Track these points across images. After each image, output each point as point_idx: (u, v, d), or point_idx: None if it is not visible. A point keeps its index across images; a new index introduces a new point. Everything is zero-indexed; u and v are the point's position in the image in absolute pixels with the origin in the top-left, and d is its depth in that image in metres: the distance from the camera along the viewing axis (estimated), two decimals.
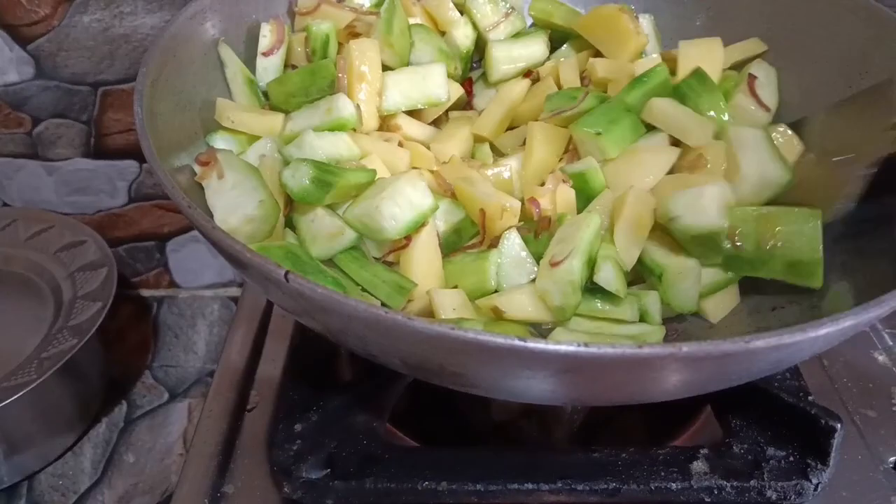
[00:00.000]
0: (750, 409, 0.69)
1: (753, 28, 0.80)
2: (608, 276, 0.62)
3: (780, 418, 0.67)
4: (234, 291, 1.26)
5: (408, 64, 0.77)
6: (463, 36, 0.81)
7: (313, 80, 0.72)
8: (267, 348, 0.84)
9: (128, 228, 1.20)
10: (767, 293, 0.67)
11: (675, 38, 0.81)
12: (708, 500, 0.64)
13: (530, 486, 0.63)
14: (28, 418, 0.92)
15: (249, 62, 0.76)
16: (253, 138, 0.71)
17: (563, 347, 0.44)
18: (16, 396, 0.85)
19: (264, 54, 0.77)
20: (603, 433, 0.77)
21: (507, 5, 0.83)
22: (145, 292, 1.27)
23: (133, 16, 1.00)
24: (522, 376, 0.49)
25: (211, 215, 0.61)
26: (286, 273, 0.47)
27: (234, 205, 0.61)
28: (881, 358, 0.81)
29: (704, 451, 0.66)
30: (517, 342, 0.43)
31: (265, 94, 0.76)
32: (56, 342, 0.92)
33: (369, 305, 0.45)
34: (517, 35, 0.84)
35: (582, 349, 0.43)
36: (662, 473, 0.64)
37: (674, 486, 0.64)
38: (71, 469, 1.00)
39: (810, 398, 0.70)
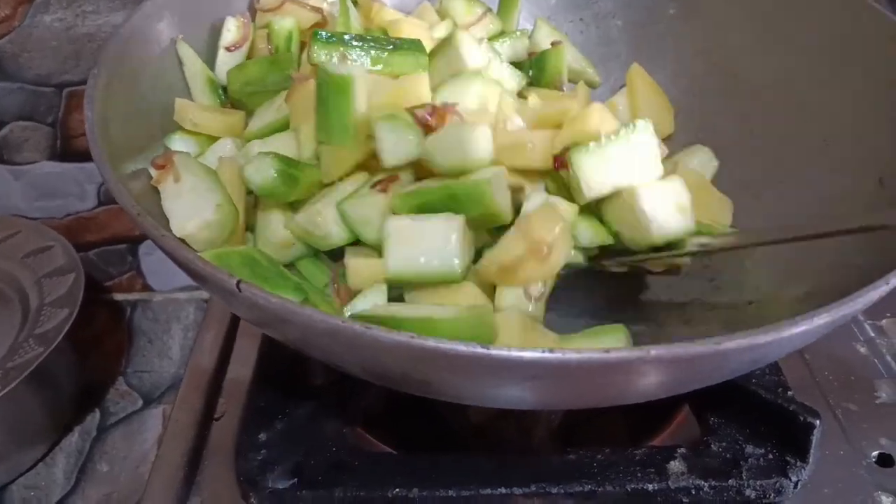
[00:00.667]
0: (728, 407, 0.68)
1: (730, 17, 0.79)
2: (587, 235, 0.62)
3: (758, 415, 0.66)
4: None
5: None
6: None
7: (272, 70, 0.70)
8: (237, 351, 0.82)
9: (99, 232, 1.18)
10: (744, 289, 0.66)
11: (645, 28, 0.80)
12: (686, 500, 0.63)
13: (503, 490, 0.62)
14: None
15: (209, 62, 0.74)
16: (212, 139, 0.69)
17: (527, 354, 0.42)
18: None
19: (227, 49, 0.75)
20: (582, 433, 0.76)
21: (482, 9, 0.83)
22: (118, 296, 1.24)
23: (96, 14, 0.98)
24: (489, 384, 0.48)
25: (167, 221, 0.59)
26: (238, 283, 0.45)
27: (190, 209, 0.59)
28: (863, 350, 0.80)
29: (682, 450, 0.65)
30: (479, 350, 0.42)
31: (224, 91, 0.74)
32: (22, 351, 0.90)
33: (325, 315, 0.44)
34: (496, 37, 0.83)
35: (547, 355, 0.42)
36: (639, 474, 0.63)
37: (651, 486, 0.62)
38: (43, 480, 0.98)
39: (789, 393, 0.68)
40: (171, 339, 1.18)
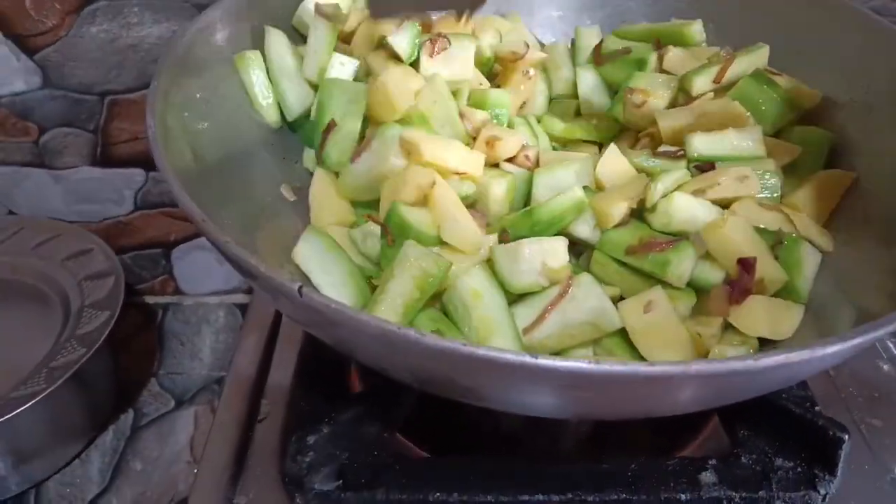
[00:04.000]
0: (757, 420, 0.69)
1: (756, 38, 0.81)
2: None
3: (787, 429, 0.68)
4: (240, 298, 1.27)
5: None
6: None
7: None
8: (277, 355, 0.84)
9: (133, 236, 1.21)
10: None
11: None
12: None
13: (541, 497, 0.64)
14: (37, 427, 0.93)
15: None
16: None
17: (572, 364, 0.44)
18: (25, 406, 0.85)
19: None
20: (610, 442, 0.77)
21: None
22: (150, 299, 1.27)
23: (140, 26, 1.00)
24: (532, 391, 0.50)
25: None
26: (299, 287, 0.48)
27: None
28: (886, 367, 0.82)
29: (713, 461, 0.66)
30: (528, 359, 0.44)
31: None
32: (65, 351, 0.92)
33: (381, 321, 0.46)
34: None
35: (593, 367, 0.44)
36: (672, 484, 0.65)
37: (683, 496, 0.64)
38: (78, 477, 1.01)
39: (817, 408, 0.70)
40: (202, 342, 1.20)
